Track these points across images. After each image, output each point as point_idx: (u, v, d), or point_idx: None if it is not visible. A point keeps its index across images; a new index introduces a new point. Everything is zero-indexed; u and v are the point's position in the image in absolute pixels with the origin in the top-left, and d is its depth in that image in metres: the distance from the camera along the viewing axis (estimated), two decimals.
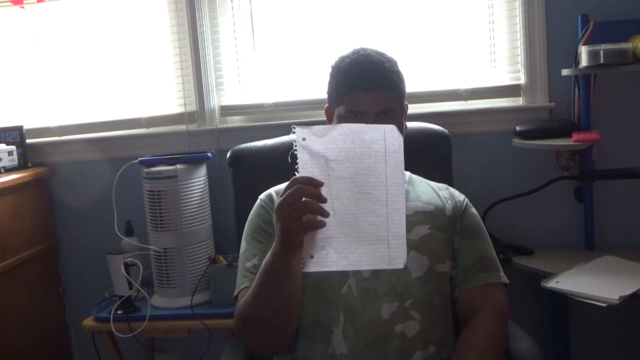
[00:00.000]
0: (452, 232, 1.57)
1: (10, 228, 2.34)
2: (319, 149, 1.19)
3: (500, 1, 2.30)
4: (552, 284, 1.89)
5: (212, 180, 2.35)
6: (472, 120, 2.31)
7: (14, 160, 2.49)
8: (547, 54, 2.25)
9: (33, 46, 2.65)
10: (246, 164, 2.06)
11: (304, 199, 1.17)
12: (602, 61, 2.01)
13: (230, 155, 2.09)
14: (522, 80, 2.30)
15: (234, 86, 2.50)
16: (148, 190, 2.21)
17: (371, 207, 1.20)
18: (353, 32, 2.38)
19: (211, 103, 2.48)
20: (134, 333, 2.15)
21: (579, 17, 2.16)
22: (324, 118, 1.62)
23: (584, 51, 2.05)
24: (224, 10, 2.46)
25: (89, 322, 2.24)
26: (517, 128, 2.23)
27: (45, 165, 2.59)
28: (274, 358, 1.55)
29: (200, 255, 2.23)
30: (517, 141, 2.22)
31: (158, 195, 2.18)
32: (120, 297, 2.21)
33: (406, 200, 1.47)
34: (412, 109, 2.27)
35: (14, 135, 2.55)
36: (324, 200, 1.18)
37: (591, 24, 2.13)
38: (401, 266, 1.22)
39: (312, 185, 1.18)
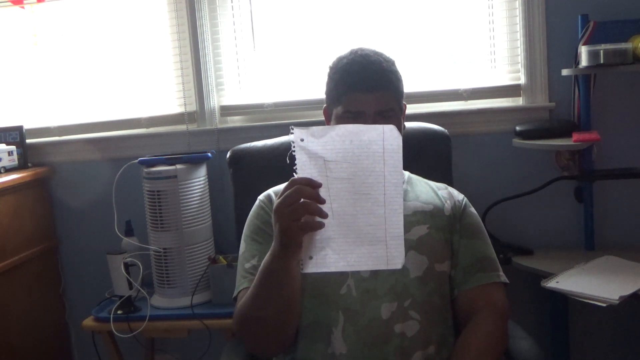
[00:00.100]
0: (451, 232, 1.56)
1: (10, 228, 2.34)
2: (317, 149, 1.19)
3: (500, 1, 2.30)
4: (552, 284, 1.89)
5: (212, 180, 2.35)
6: (472, 120, 2.31)
7: (14, 160, 2.49)
8: (547, 54, 2.25)
9: (33, 46, 2.65)
10: (246, 164, 2.06)
11: (302, 200, 1.17)
12: (602, 61, 2.01)
13: (230, 155, 2.09)
14: (522, 80, 2.30)
15: (234, 86, 2.50)
16: (148, 190, 2.21)
17: (369, 208, 1.20)
18: (353, 32, 2.38)
19: (211, 103, 2.48)
20: (134, 333, 2.15)
21: (579, 17, 2.16)
22: (324, 118, 1.62)
23: (584, 51, 2.05)
24: (224, 10, 2.46)
25: (89, 322, 2.24)
26: (517, 128, 2.23)
27: (45, 165, 2.59)
28: (273, 359, 1.55)
29: (200, 255, 2.23)
30: (517, 141, 2.22)
31: (158, 195, 2.19)
32: (120, 297, 2.21)
33: (405, 200, 1.48)
34: (412, 109, 2.29)
35: (14, 135, 2.55)
36: (323, 201, 1.18)
37: (591, 24, 2.13)
38: (399, 267, 1.22)
39: (311, 186, 1.18)
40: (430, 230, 1.52)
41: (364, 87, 1.48)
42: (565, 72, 2.16)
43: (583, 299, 1.79)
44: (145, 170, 2.21)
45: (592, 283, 1.85)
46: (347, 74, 1.51)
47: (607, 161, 2.24)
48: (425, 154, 2.00)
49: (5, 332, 2.28)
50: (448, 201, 1.60)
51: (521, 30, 2.27)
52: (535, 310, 2.35)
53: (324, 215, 1.17)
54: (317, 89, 1.69)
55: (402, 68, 1.58)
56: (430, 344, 1.43)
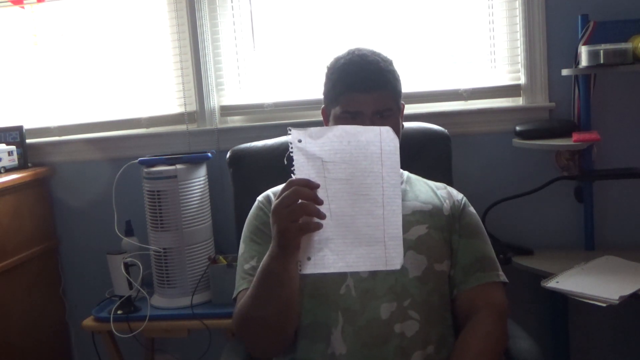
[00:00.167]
0: (451, 232, 1.56)
1: (10, 228, 2.34)
2: (315, 150, 1.19)
3: (500, 1, 2.30)
4: (552, 284, 1.88)
5: (212, 180, 2.35)
6: (472, 120, 2.31)
7: (14, 160, 2.49)
8: (547, 54, 2.25)
9: (33, 46, 2.65)
10: (246, 164, 2.06)
11: (300, 201, 1.17)
12: (602, 61, 2.01)
13: (230, 155, 2.09)
14: (522, 80, 2.30)
15: (234, 86, 2.50)
16: (148, 190, 2.21)
17: (368, 209, 1.20)
18: (353, 32, 2.38)
19: (211, 103, 2.48)
20: (134, 333, 2.15)
21: (579, 17, 2.16)
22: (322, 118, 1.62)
23: (584, 51, 2.05)
24: (224, 10, 2.46)
25: (89, 322, 2.24)
26: (517, 128, 2.23)
27: (45, 165, 2.59)
28: (273, 359, 1.55)
29: (200, 255, 2.23)
30: (517, 141, 2.22)
31: (158, 195, 2.19)
32: (120, 297, 2.21)
33: (404, 200, 1.48)
34: (412, 109, 2.29)
35: (14, 135, 2.55)
36: (320, 202, 1.18)
37: (591, 24, 2.13)
38: (398, 267, 1.22)
39: (309, 187, 1.18)
40: (430, 230, 1.52)
41: (362, 87, 1.48)
42: (565, 72, 2.16)
43: (583, 299, 1.78)
44: (145, 170, 2.21)
45: (592, 283, 1.85)
46: (344, 74, 1.51)
47: (607, 161, 2.24)
48: (425, 154, 2.00)
49: (5, 332, 2.29)
50: (447, 201, 1.60)
51: (521, 30, 2.27)
52: (535, 310, 2.35)
53: (322, 216, 1.17)
54: (317, 89, 1.68)
55: (402, 68, 1.59)
56: (429, 343, 1.43)
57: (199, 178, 2.24)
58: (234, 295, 1.52)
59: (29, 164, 2.55)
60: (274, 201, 1.21)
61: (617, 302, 1.71)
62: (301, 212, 1.17)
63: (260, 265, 1.33)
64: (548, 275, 1.95)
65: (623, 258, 2.04)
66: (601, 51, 2.00)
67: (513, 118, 2.28)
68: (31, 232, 2.47)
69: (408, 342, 1.41)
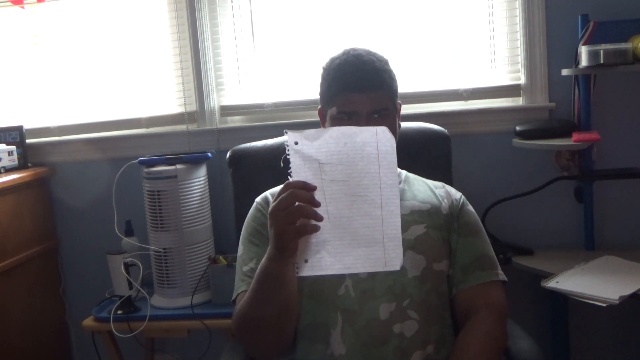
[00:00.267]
0: (449, 231, 1.56)
1: (10, 228, 2.34)
2: (312, 152, 1.18)
3: (500, 1, 2.29)
4: (552, 284, 1.88)
5: (212, 180, 2.35)
6: (472, 120, 2.31)
7: (14, 160, 2.49)
8: (547, 54, 2.25)
9: (33, 46, 2.65)
10: (246, 164, 2.06)
11: (297, 203, 1.17)
12: (602, 61, 2.00)
13: (230, 156, 2.09)
14: (522, 80, 2.29)
15: (234, 86, 2.50)
16: (148, 190, 2.21)
17: (366, 210, 1.20)
18: (353, 33, 2.37)
19: (211, 103, 2.48)
20: (134, 333, 2.15)
21: (579, 17, 2.16)
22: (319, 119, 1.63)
23: (584, 51, 2.05)
24: (224, 10, 2.46)
25: (89, 322, 2.24)
26: (517, 128, 2.23)
27: (45, 165, 2.59)
28: None
29: (200, 255, 2.23)
30: (517, 141, 2.21)
31: (158, 195, 2.19)
32: (120, 297, 2.21)
33: (402, 199, 1.47)
34: (412, 109, 2.29)
35: (14, 135, 2.55)
36: (318, 204, 1.17)
37: (591, 24, 2.12)
38: (397, 268, 1.22)
39: (306, 189, 1.17)
40: (428, 230, 1.52)
41: (358, 87, 1.48)
42: (565, 72, 2.16)
43: (583, 299, 1.78)
44: (145, 170, 2.21)
45: (592, 283, 1.85)
46: (340, 75, 1.51)
47: (607, 161, 2.24)
48: (425, 154, 2.00)
49: (5, 332, 2.29)
50: (445, 200, 1.60)
51: (521, 30, 2.26)
52: (535, 310, 2.35)
53: (319, 218, 1.17)
54: (316, 89, 1.69)
55: (402, 68, 1.59)
56: (429, 343, 1.43)
57: (199, 178, 2.24)
58: (233, 297, 1.52)
59: (29, 164, 2.56)
60: (271, 204, 1.20)
61: (617, 302, 1.71)
62: (298, 214, 1.16)
63: (259, 267, 1.33)
64: (548, 275, 1.95)
65: (623, 258, 2.04)
66: (601, 51, 2.00)
67: (513, 118, 2.28)
68: (31, 232, 2.47)
69: (407, 342, 1.41)
